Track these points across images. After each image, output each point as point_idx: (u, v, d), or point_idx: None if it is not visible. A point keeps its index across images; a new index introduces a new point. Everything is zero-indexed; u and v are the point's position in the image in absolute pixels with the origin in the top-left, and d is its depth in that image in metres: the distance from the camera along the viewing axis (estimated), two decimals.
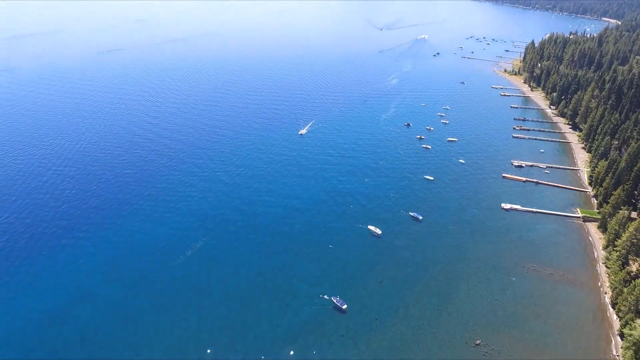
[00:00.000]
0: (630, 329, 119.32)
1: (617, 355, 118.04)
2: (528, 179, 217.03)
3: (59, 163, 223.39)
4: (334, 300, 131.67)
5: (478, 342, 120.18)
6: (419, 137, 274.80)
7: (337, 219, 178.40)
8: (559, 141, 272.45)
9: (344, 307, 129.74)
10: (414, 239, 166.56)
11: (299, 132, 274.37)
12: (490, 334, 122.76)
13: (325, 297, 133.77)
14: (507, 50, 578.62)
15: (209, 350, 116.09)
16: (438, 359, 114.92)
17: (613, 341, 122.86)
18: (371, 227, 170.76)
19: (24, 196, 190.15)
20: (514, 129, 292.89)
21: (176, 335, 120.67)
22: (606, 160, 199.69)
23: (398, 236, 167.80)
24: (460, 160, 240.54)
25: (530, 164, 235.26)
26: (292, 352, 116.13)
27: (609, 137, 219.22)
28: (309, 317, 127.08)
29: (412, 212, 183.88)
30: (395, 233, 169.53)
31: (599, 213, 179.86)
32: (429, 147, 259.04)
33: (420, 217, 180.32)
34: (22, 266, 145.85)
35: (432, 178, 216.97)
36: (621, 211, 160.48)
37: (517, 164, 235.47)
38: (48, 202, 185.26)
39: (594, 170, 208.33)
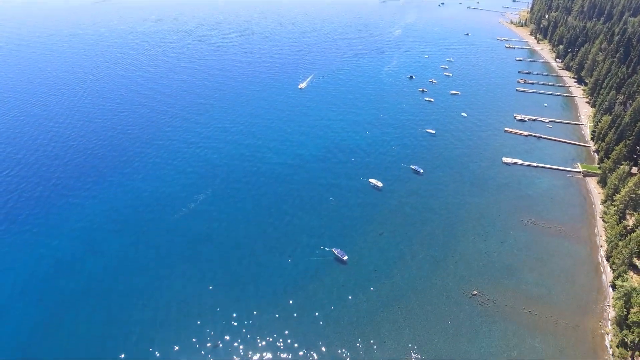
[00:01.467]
0: (623, 281, 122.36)
1: (608, 305, 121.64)
2: (530, 134, 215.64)
3: (61, 120, 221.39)
4: (335, 252, 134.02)
5: (475, 292, 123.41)
6: (421, 89, 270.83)
7: (338, 172, 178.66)
8: (564, 95, 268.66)
9: (345, 258, 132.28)
10: (415, 192, 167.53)
11: (299, 87, 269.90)
12: (487, 285, 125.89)
13: (326, 248, 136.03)
14: (515, 1, 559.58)
15: (211, 300, 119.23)
16: (435, 308, 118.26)
17: (605, 292, 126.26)
18: (372, 180, 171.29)
19: (30, 152, 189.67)
20: (518, 82, 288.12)
21: (180, 285, 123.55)
22: (610, 115, 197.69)
23: (399, 189, 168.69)
24: (462, 114, 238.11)
25: (533, 118, 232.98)
26: (291, 302, 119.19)
27: (614, 91, 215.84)
28: (310, 268, 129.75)
29: (413, 165, 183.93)
30: (396, 186, 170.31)
31: (599, 168, 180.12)
32: (432, 100, 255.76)
33: (421, 171, 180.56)
34: (31, 220, 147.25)
35: (433, 131, 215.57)
36: (622, 166, 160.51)
37: (519, 117, 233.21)
38: (53, 159, 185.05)
39: (597, 125, 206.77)
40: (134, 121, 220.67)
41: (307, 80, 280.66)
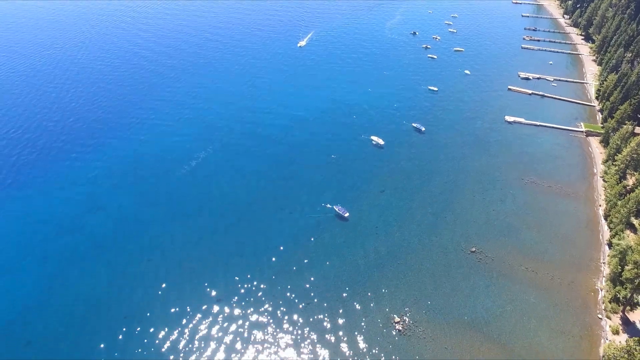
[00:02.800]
0: (619, 239, 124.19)
1: (603, 263, 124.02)
2: (534, 92, 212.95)
3: (60, 75, 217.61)
4: (336, 209, 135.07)
5: (473, 249, 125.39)
6: (424, 46, 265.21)
7: (340, 130, 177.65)
8: (570, 53, 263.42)
9: (346, 215, 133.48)
10: (416, 150, 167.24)
11: (298, 44, 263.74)
12: (485, 243, 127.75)
13: (328, 205, 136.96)
14: None
15: (213, 256, 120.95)
16: (435, 265, 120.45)
17: (601, 250, 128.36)
18: (374, 138, 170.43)
19: (31, 114, 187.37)
20: (524, 39, 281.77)
21: (182, 241, 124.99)
22: (616, 73, 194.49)
23: (400, 147, 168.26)
24: (465, 71, 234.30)
25: (537, 76, 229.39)
26: (292, 258, 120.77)
27: (622, 49, 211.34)
28: (312, 225, 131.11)
29: (415, 123, 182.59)
30: (397, 144, 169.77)
31: (602, 128, 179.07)
32: (435, 57, 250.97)
33: (423, 129, 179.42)
34: (34, 180, 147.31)
35: (436, 89, 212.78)
36: (625, 126, 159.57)
37: (524, 75, 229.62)
38: (53, 120, 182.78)
39: (603, 83, 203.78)
40: (134, 81, 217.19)
41: (307, 37, 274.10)
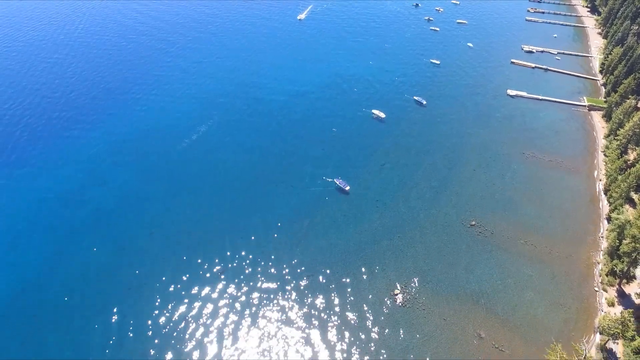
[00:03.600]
0: (618, 214, 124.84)
1: (602, 237, 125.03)
2: (537, 66, 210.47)
3: (60, 51, 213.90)
4: (337, 182, 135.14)
5: (473, 223, 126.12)
6: (427, 18, 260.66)
7: (341, 103, 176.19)
8: (575, 25, 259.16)
9: (347, 188, 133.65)
10: (417, 124, 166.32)
11: (298, 17, 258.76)
12: (485, 216, 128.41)
13: (329, 179, 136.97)
14: None
15: (215, 230, 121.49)
16: (435, 238, 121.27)
17: (600, 224, 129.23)
18: (375, 111, 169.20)
19: (30, 86, 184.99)
20: (528, 11, 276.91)
21: (184, 215, 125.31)
22: (622, 46, 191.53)
23: (401, 120, 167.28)
24: (468, 44, 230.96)
25: (541, 49, 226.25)
26: (293, 230, 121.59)
27: (629, 21, 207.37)
28: (313, 198, 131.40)
29: (416, 96, 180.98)
30: (398, 117, 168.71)
31: (605, 102, 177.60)
32: (437, 29, 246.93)
33: (425, 102, 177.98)
34: (35, 154, 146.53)
35: (438, 62, 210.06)
36: (628, 100, 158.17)
37: (527, 49, 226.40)
38: (54, 92, 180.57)
39: (607, 57, 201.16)
40: (133, 53, 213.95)
41: (307, 10, 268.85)
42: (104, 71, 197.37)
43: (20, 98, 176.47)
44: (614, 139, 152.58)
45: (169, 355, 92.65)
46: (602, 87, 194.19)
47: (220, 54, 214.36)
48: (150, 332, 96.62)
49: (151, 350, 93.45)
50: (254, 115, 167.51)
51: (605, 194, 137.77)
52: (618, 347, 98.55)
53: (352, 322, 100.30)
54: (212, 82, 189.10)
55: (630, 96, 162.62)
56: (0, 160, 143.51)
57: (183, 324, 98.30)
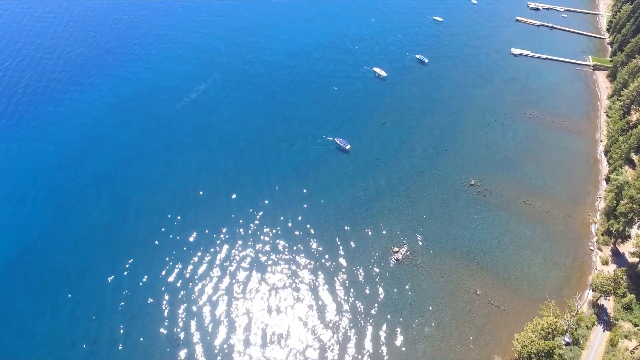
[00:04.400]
0: (617, 175, 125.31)
1: (600, 197, 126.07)
2: (542, 23, 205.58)
3: (56, 10, 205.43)
4: (338, 141, 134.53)
5: (472, 182, 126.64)
6: None
7: (342, 61, 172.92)
8: None
9: (347, 147, 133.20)
10: (419, 82, 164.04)
11: None
12: (485, 176, 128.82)
13: (329, 138, 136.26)
14: None
15: (215, 188, 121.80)
16: (434, 197, 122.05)
17: (599, 185, 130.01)
18: (376, 69, 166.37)
19: (29, 45, 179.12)
20: None
21: (185, 173, 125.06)
22: (632, 3, 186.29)
23: (403, 79, 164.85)
24: (472, 1, 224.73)
25: (547, 6, 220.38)
26: (293, 189, 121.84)
27: None
28: (314, 156, 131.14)
29: (418, 54, 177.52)
30: (400, 76, 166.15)
31: (611, 61, 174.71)
32: None
33: (427, 60, 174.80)
34: (35, 115, 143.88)
35: (441, 19, 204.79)
36: (635, 60, 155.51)
37: (533, 5, 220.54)
38: (51, 53, 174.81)
39: (616, 14, 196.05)
40: (132, 11, 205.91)
41: None
42: (102, 31, 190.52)
43: (18, 58, 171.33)
44: (618, 99, 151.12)
45: (181, 311, 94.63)
46: (609, 46, 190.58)
47: (219, 11, 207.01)
48: (163, 287, 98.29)
49: (163, 305, 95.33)
50: (254, 73, 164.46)
51: (606, 155, 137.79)
52: (609, 304, 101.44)
53: (353, 278, 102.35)
54: (211, 42, 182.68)
55: (637, 55, 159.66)
56: (1, 123, 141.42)
57: (185, 278, 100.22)
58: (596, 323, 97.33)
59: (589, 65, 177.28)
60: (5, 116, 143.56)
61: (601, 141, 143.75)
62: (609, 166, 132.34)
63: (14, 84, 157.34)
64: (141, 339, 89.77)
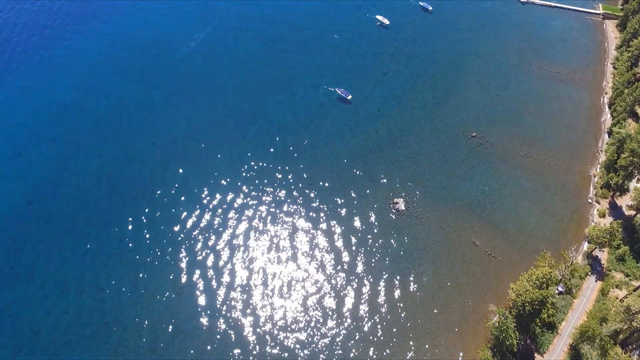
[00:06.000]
0: (620, 127, 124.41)
1: (601, 150, 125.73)
2: None
3: None
4: (339, 91, 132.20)
5: (474, 134, 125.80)
6: None
7: (343, 8, 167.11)
8: None
9: (349, 97, 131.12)
10: (422, 31, 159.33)
11: None
12: (487, 127, 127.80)
13: (330, 88, 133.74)
14: None
15: (216, 137, 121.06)
16: (435, 148, 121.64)
17: (601, 138, 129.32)
18: (379, 17, 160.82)
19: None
20: None
21: (186, 123, 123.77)
22: None
23: (406, 27, 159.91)
24: None
25: None
26: (294, 139, 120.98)
27: None
28: (315, 107, 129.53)
29: (422, 1, 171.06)
30: (403, 24, 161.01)
31: (622, 10, 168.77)
32: None
33: (430, 8, 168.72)
34: (34, 66, 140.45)
35: None
36: None
37: None
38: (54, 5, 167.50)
39: None
40: None
41: None
42: None
43: (5, 11, 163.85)
44: (626, 50, 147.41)
45: (182, 263, 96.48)
46: None
47: None
48: (165, 240, 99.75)
49: (167, 256, 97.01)
50: (253, 22, 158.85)
51: (610, 107, 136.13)
52: (603, 255, 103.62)
53: (353, 228, 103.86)
54: None
55: None
56: None
57: (194, 233, 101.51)
58: (589, 273, 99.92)
59: (599, 14, 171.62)
60: (1, 64, 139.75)
61: (606, 93, 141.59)
62: (612, 119, 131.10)
63: (8, 32, 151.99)
64: (146, 289, 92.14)
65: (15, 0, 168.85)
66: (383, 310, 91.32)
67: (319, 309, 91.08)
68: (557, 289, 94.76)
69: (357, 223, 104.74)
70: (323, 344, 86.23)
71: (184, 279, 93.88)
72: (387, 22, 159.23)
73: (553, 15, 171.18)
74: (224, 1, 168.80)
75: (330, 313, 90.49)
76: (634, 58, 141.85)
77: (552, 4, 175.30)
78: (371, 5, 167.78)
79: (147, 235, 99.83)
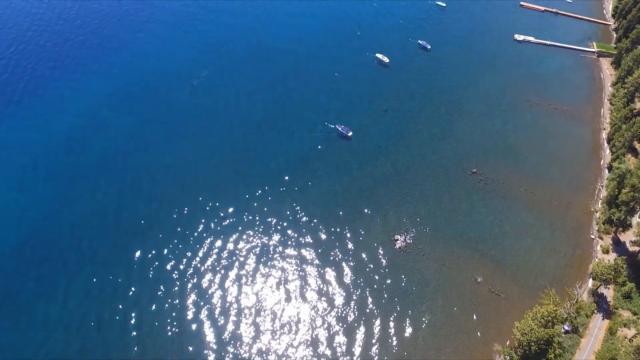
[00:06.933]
0: (620, 163, 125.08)
1: (602, 186, 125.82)
2: (547, 9, 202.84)
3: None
4: (339, 128, 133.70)
5: (474, 170, 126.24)
6: None
7: (344, 47, 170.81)
8: None
9: (349, 134, 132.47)
10: (421, 69, 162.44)
11: None
12: (487, 164, 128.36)
13: (331, 125, 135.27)
14: None
15: (218, 174, 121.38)
16: (436, 184, 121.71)
17: (601, 174, 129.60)
18: (378, 55, 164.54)
19: (24, 33, 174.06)
20: None
21: (188, 160, 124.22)
22: None
23: (405, 65, 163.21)
24: None
25: None
26: (295, 176, 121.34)
27: None
28: (315, 144, 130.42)
29: (421, 40, 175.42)
30: (402, 62, 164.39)
31: (615, 48, 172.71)
32: None
33: (429, 47, 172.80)
34: (37, 101, 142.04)
35: (444, 4, 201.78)
36: None
37: None
38: (48, 40, 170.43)
39: (622, 0, 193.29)
40: (134, 4, 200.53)
41: None
42: (102, 20, 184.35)
43: (22, 45, 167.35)
44: (622, 86, 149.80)
45: (189, 300, 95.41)
46: (614, 32, 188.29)
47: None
48: (170, 276, 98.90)
49: (173, 295, 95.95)
50: (255, 61, 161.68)
51: (609, 143, 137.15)
52: (609, 292, 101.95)
53: (352, 266, 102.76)
54: (212, 29, 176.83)
55: None
56: (2, 108, 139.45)
57: (190, 265, 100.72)
58: (596, 311, 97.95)
59: (593, 52, 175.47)
60: (7, 102, 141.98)
61: (604, 129, 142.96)
62: (612, 154, 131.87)
63: (17, 71, 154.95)
64: (150, 327, 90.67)
65: (27, 36, 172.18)
66: (380, 351, 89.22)
67: (310, 347, 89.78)
68: (564, 328, 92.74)
69: (356, 260, 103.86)
70: None
71: (188, 319, 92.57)
72: (387, 60, 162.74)
73: (549, 54, 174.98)
74: (227, 41, 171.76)
75: (322, 351, 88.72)
76: (629, 94, 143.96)
77: (548, 42, 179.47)
78: (371, 44, 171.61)
79: (151, 275, 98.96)
